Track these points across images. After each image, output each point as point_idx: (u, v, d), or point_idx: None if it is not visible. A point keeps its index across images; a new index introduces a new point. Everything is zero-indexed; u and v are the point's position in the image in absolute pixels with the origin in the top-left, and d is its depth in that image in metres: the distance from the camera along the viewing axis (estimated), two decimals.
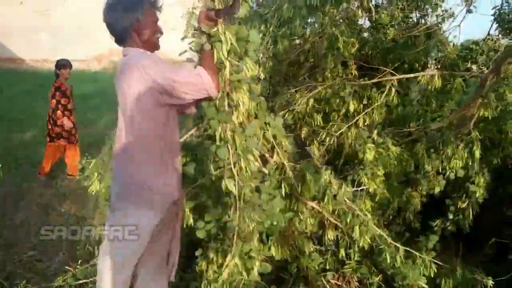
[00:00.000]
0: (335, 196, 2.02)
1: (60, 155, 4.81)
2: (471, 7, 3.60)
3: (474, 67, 3.26)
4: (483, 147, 2.72)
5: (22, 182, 4.48)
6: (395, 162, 2.48)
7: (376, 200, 2.38)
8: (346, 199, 2.04)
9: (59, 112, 4.55)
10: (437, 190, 2.76)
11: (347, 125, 3.03)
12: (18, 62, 14.80)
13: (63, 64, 4.68)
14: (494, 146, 2.91)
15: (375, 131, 2.56)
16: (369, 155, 2.31)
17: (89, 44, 15.93)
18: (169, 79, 1.50)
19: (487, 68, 3.36)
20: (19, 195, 4.17)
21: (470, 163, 2.69)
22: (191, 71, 1.55)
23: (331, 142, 3.00)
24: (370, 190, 2.31)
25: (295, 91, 3.47)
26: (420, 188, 2.78)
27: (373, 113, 3.11)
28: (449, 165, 2.68)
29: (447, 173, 2.73)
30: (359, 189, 2.31)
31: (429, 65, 3.72)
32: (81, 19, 15.83)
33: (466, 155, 2.67)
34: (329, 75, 3.72)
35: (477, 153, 2.65)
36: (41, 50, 15.05)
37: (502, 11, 3.53)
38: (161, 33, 1.71)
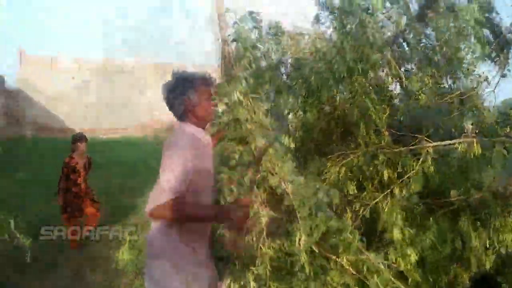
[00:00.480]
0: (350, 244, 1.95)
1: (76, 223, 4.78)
2: (505, 71, 3.53)
3: None
4: None
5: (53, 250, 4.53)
6: (434, 240, 2.30)
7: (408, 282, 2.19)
8: (362, 250, 1.96)
9: (61, 188, 4.67)
10: (487, 266, 2.51)
11: (382, 195, 2.91)
12: (65, 131, 15.85)
13: (78, 138, 4.83)
14: None
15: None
16: (398, 235, 2.17)
17: (131, 114, 17.01)
18: (163, 173, 1.72)
19: None
20: (51, 264, 4.23)
21: None
22: (168, 192, 1.66)
23: (365, 212, 2.87)
24: (401, 269, 2.15)
25: (327, 158, 3.43)
26: (468, 264, 2.53)
27: (409, 181, 2.97)
28: (499, 238, 2.46)
29: (497, 248, 2.49)
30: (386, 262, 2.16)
31: (465, 131, 3.60)
32: (123, 90, 17.12)
33: None
34: (361, 141, 3.66)
35: None
36: (89, 120, 16.16)
37: None
38: (215, 105, 1.92)
